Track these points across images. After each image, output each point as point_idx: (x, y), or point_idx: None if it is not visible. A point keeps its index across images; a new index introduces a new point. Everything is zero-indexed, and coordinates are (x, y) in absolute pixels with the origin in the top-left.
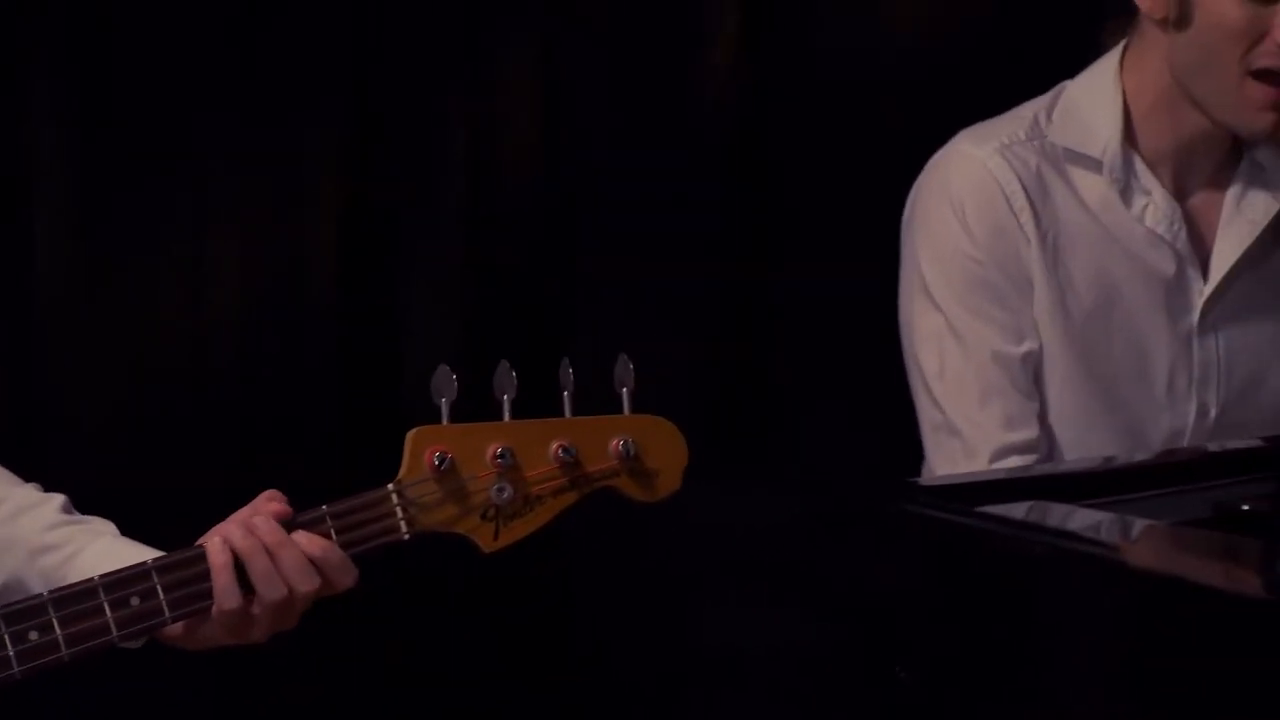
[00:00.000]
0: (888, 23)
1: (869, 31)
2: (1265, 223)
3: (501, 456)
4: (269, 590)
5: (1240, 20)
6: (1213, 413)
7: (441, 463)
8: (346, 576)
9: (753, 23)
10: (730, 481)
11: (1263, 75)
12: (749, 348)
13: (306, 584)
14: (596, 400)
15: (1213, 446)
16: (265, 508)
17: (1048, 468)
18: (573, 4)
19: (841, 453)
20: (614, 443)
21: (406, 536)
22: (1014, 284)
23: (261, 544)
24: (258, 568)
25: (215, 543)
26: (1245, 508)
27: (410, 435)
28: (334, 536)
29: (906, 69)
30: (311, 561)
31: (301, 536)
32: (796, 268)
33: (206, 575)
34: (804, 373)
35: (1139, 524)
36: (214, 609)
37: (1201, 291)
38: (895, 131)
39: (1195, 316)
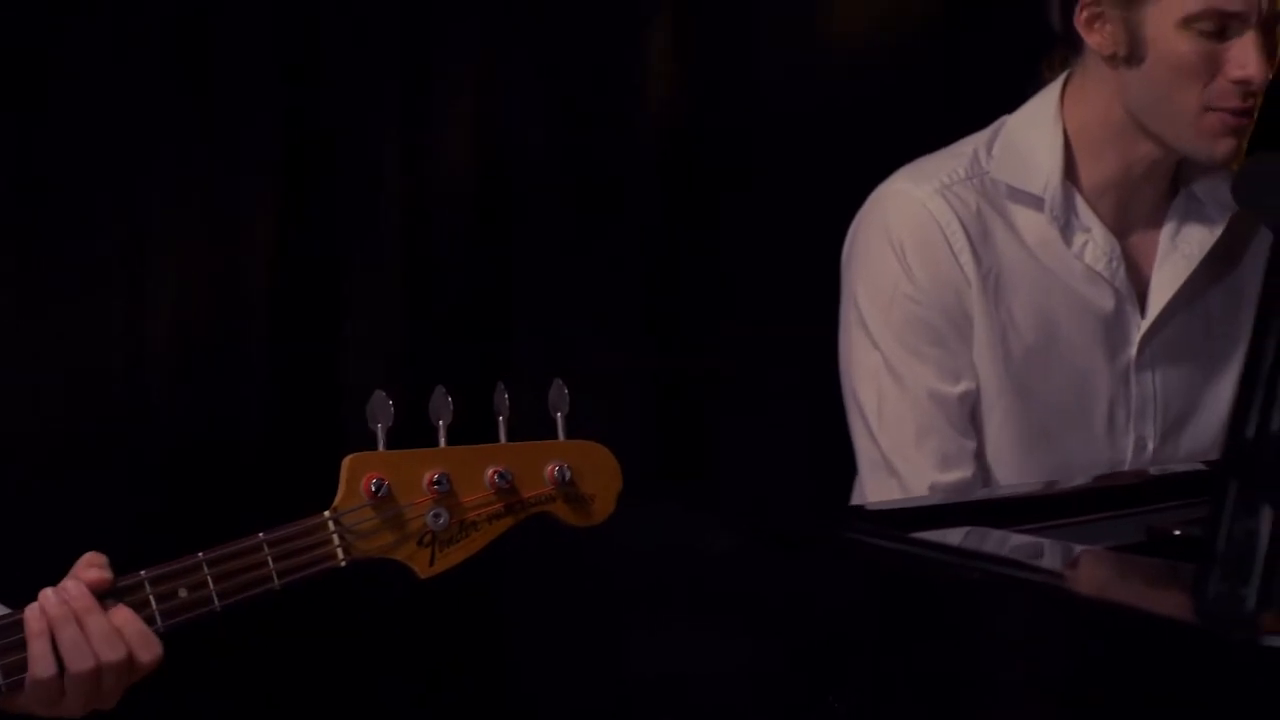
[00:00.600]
0: (825, 52)
1: (805, 62)
2: (1200, 257)
3: (438, 482)
4: (76, 660)
5: (1193, 57)
6: (1150, 446)
7: (378, 489)
8: (146, 651)
9: (688, 49)
10: (666, 506)
11: (1215, 107)
12: (686, 373)
13: (113, 654)
14: (532, 426)
15: (1153, 470)
16: (83, 574)
17: (986, 493)
18: (508, 34)
19: (778, 478)
20: (549, 468)
21: (343, 563)
22: (953, 324)
23: (71, 611)
24: (66, 636)
25: (32, 610)
26: (1177, 533)
27: (346, 462)
28: (270, 564)
29: (844, 99)
30: (118, 632)
31: (109, 605)
32: (733, 294)
33: (23, 645)
34: (741, 398)
35: (1074, 549)
36: (27, 678)
37: (1139, 326)
38: (832, 159)
39: (1133, 351)
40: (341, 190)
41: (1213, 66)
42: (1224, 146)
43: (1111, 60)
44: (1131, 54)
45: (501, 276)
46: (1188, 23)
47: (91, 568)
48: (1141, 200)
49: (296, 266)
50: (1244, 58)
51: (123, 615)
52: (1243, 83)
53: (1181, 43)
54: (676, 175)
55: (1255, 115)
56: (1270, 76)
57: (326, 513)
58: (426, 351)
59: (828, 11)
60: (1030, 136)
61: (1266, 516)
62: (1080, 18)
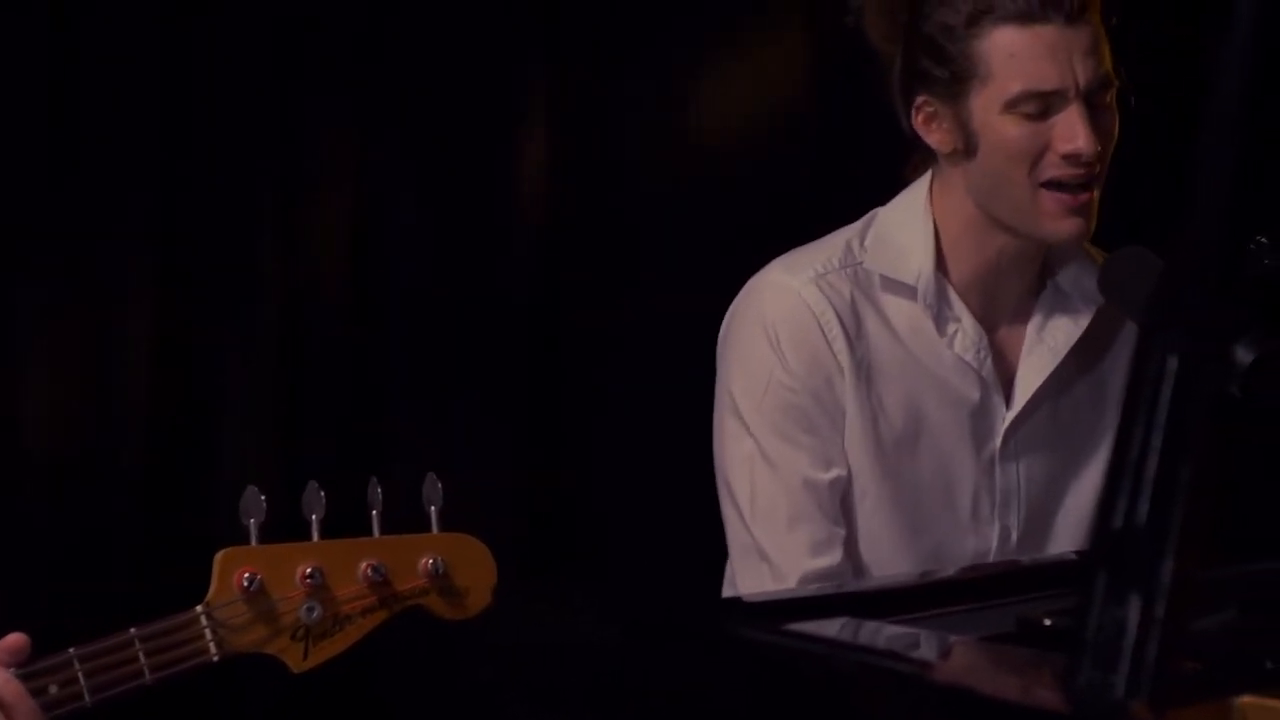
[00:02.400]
0: (695, 151)
1: (676, 161)
2: (1066, 350)
3: (311, 576)
4: None
5: (1021, 139)
6: (1014, 536)
7: (251, 584)
8: None
9: (560, 150)
10: (542, 599)
11: (1051, 185)
12: (559, 464)
13: None
14: (407, 520)
15: (1023, 560)
16: None
17: (864, 584)
18: (381, 138)
19: (656, 571)
20: (423, 561)
21: (216, 658)
22: (826, 412)
23: None
24: None
25: None
26: (1047, 622)
27: (219, 556)
28: (142, 659)
29: (715, 196)
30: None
31: None
32: (608, 387)
33: None
34: (618, 491)
35: (946, 639)
36: None
37: (1005, 418)
38: (705, 255)
39: (998, 443)
40: (215, 286)
41: (1041, 145)
42: (1068, 226)
43: (952, 157)
44: (966, 147)
45: (376, 371)
46: (1010, 107)
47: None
48: (1008, 293)
49: (170, 362)
50: (1070, 132)
51: (13, 689)
52: (1072, 156)
53: (1008, 128)
54: (550, 269)
55: (1098, 193)
56: (1101, 151)
57: (199, 607)
58: (301, 447)
59: (697, 110)
60: (902, 228)
61: (1135, 605)
62: (917, 119)
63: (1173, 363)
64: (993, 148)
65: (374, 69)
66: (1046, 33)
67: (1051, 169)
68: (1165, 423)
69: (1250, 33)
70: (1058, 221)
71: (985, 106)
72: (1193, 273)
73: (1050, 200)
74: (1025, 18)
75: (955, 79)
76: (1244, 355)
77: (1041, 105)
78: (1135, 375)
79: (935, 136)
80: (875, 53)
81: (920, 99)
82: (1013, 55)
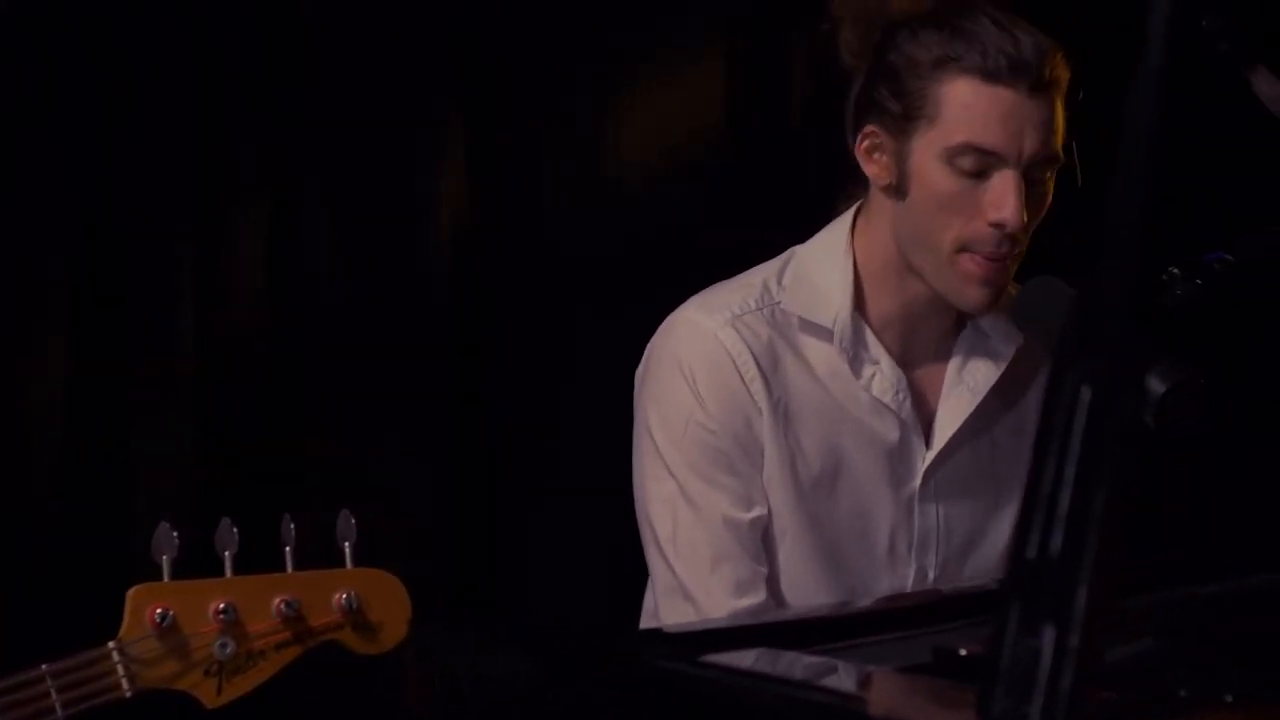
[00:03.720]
0: (616, 181)
1: (596, 194)
2: (985, 390)
3: (224, 612)
4: None
5: (953, 194)
6: (931, 575)
7: (163, 619)
8: None
9: (481, 181)
10: (459, 632)
11: (970, 248)
12: (477, 498)
13: None
14: (322, 556)
15: (943, 590)
16: None
17: (781, 614)
18: (301, 168)
19: (576, 603)
20: (337, 596)
21: (128, 694)
22: (745, 452)
23: None
24: None
25: None
26: (963, 652)
27: (131, 593)
28: (54, 696)
29: (636, 227)
30: None
31: None
32: (524, 419)
33: None
34: (537, 527)
35: (864, 670)
36: None
37: (924, 458)
38: (626, 285)
39: (917, 483)
40: (134, 319)
41: (972, 206)
42: (977, 295)
43: (886, 191)
44: (899, 185)
45: (290, 407)
46: (948, 157)
47: None
48: (925, 334)
49: (82, 396)
50: (1001, 200)
51: None
52: (998, 225)
53: (942, 178)
54: (469, 305)
55: (1013, 267)
56: (1027, 223)
57: (111, 643)
58: (214, 483)
59: (617, 141)
60: (820, 268)
61: (1049, 635)
62: (860, 147)
63: (1085, 393)
64: (923, 193)
65: (293, 107)
66: (1006, 96)
67: (974, 234)
68: (1078, 452)
69: (1161, 65)
70: (968, 286)
71: (925, 149)
72: (1105, 303)
73: (969, 263)
74: (991, 76)
75: (905, 114)
76: (1157, 385)
77: (980, 164)
78: (1048, 405)
79: (873, 168)
80: (842, 67)
81: (868, 128)
82: (966, 106)
